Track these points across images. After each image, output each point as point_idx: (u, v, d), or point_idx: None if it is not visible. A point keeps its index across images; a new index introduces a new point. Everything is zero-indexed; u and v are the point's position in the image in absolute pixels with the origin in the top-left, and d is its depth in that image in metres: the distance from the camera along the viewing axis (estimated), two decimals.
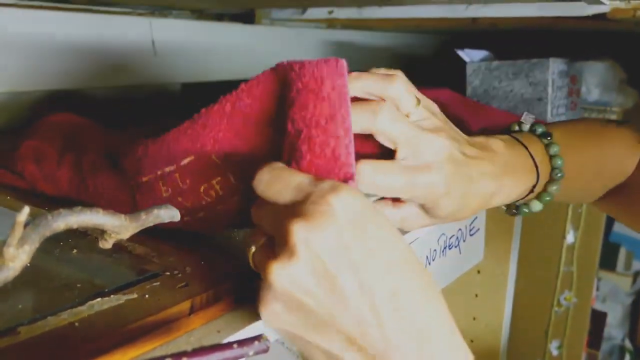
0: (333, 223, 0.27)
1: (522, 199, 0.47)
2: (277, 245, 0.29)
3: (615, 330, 1.62)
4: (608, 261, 1.62)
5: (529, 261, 1.00)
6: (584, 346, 1.14)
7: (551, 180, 0.47)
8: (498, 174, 0.41)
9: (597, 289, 1.60)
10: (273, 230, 0.30)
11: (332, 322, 0.27)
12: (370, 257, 0.28)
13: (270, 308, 0.29)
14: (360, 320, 0.27)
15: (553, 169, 0.47)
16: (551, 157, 0.47)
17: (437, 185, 0.37)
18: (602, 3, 0.74)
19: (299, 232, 0.27)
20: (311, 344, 0.28)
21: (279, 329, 0.30)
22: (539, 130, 0.48)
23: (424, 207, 0.39)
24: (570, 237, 1.03)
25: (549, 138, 0.47)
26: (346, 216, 0.28)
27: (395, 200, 0.39)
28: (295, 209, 0.28)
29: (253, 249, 0.31)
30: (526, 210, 0.49)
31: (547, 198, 0.47)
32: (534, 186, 0.46)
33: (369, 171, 0.34)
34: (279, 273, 0.28)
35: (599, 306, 1.59)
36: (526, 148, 0.45)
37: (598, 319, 1.55)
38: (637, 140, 0.54)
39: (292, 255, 0.27)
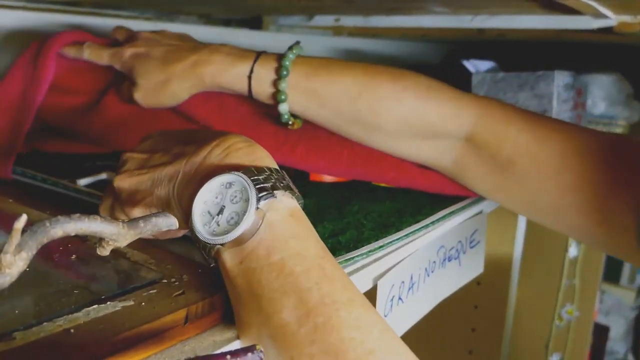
0: (144, 139, 0.41)
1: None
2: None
3: (618, 344, 1.61)
4: (612, 274, 1.61)
5: (530, 274, 1.00)
6: None
7: (278, 78, 0.53)
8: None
9: (600, 302, 1.59)
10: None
11: (157, 175, 0.37)
12: (165, 135, 0.41)
13: (131, 213, 0.38)
14: (167, 163, 0.37)
15: (280, 67, 0.53)
16: (280, 60, 0.53)
17: None
18: (607, 17, 0.74)
19: (123, 155, 0.40)
20: (161, 204, 0.37)
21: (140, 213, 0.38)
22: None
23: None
24: (572, 250, 1.02)
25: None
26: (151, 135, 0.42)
27: None
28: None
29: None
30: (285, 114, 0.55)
31: (282, 97, 0.53)
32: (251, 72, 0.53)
33: None
34: (118, 180, 0.39)
35: (601, 320, 1.58)
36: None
37: (601, 332, 1.54)
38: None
39: (122, 164, 0.40)
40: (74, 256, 0.39)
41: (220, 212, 0.33)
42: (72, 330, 0.29)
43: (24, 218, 0.26)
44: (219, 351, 0.31)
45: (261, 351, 0.28)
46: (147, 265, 0.38)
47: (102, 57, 0.59)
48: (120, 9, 0.94)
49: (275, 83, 0.53)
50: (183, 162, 0.36)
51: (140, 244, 0.40)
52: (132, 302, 0.32)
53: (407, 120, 0.52)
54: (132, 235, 0.32)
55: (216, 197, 0.33)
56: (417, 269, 0.49)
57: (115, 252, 0.39)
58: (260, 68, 0.53)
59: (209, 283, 0.36)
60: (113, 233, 0.30)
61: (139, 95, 0.57)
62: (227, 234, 0.32)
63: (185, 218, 0.35)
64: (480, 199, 0.58)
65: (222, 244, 0.32)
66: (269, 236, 0.32)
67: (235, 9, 1.02)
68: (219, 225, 0.33)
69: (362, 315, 0.31)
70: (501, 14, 0.87)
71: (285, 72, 0.52)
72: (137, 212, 0.38)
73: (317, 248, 0.33)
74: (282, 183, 0.34)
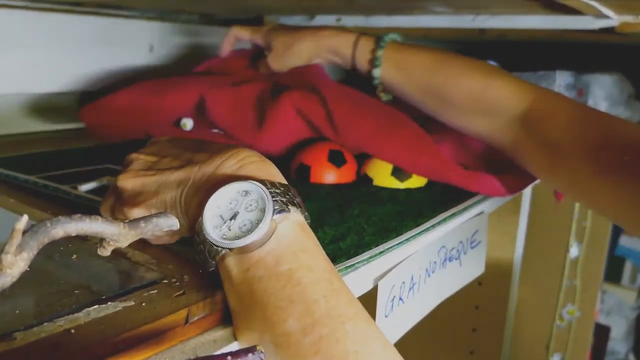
0: (151, 142, 0.43)
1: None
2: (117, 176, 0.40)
3: (619, 344, 1.60)
4: (613, 275, 1.61)
5: (531, 274, 1.00)
6: None
7: (376, 47, 0.65)
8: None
9: (602, 303, 1.59)
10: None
11: (165, 178, 0.37)
12: (175, 143, 0.41)
13: (131, 213, 0.38)
14: (178, 167, 0.37)
15: (379, 39, 0.65)
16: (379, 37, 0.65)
17: None
18: (609, 17, 0.74)
19: (129, 156, 0.41)
20: (165, 207, 0.37)
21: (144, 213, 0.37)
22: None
23: None
24: (574, 251, 1.02)
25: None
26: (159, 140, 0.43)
27: None
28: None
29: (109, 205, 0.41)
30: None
31: (377, 62, 0.65)
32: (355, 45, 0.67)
33: None
34: (123, 178, 0.39)
35: (603, 320, 1.58)
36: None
37: (602, 333, 1.54)
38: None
39: (127, 164, 0.40)
40: (74, 256, 0.39)
41: (233, 217, 0.34)
42: (72, 331, 0.29)
43: (24, 218, 0.26)
44: (219, 352, 0.31)
45: (262, 352, 0.28)
46: (147, 265, 0.38)
47: (245, 33, 0.77)
48: (122, 8, 0.94)
49: (373, 51, 0.65)
50: (195, 168, 0.36)
51: (141, 244, 0.40)
52: (132, 303, 0.32)
53: (473, 96, 0.59)
54: (133, 236, 0.32)
55: (230, 203, 0.34)
56: (418, 270, 0.49)
57: (116, 252, 0.39)
58: (364, 38, 0.67)
59: (209, 283, 0.36)
60: (114, 233, 0.30)
61: (270, 58, 0.72)
62: (238, 239, 0.32)
63: (190, 224, 0.36)
64: (480, 200, 0.58)
65: (230, 249, 0.32)
66: (278, 247, 0.33)
67: (236, 9, 1.02)
68: (230, 229, 0.33)
69: (367, 330, 0.31)
70: (502, 14, 0.87)
71: (382, 44, 0.65)
72: (137, 212, 0.37)
73: (326, 263, 0.34)
74: (295, 200, 0.35)
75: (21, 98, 0.85)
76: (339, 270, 0.39)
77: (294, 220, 0.34)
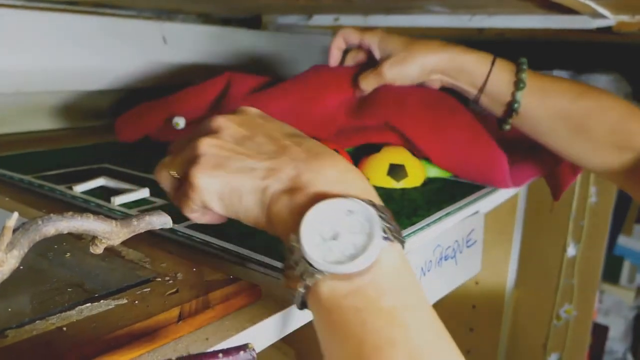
0: (241, 112, 0.39)
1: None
2: (200, 131, 0.37)
3: (617, 344, 1.60)
4: (611, 274, 1.61)
5: (528, 273, 1.00)
6: None
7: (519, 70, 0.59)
8: None
9: (600, 302, 1.59)
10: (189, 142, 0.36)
11: (254, 161, 0.34)
12: (268, 121, 0.38)
13: (203, 179, 0.34)
14: (271, 154, 0.34)
15: (519, 62, 0.59)
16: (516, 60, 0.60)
17: None
18: (606, 17, 0.74)
19: (219, 118, 0.36)
20: (241, 188, 0.34)
21: (214, 192, 0.34)
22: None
23: None
24: (571, 250, 1.02)
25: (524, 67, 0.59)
26: (248, 110, 0.39)
27: None
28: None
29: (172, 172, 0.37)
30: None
31: (522, 85, 0.58)
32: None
33: None
34: (208, 142, 0.35)
35: (601, 319, 1.58)
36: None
37: (600, 332, 1.54)
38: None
39: (215, 130, 0.36)
40: (68, 254, 0.39)
41: (334, 238, 0.30)
42: (65, 329, 0.29)
43: (15, 216, 0.26)
44: (212, 349, 0.31)
45: (253, 350, 0.28)
46: (141, 263, 0.38)
47: (355, 35, 0.67)
48: (119, 8, 0.94)
49: (516, 73, 0.59)
50: (289, 163, 0.33)
51: (136, 243, 0.40)
52: (125, 301, 0.33)
53: (614, 128, 0.57)
54: (125, 234, 0.32)
55: (331, 221, 0.31)
56: (413, 268, 0.49)
57: (110, 250, 0.39)
58: (500, 59, 0.61)
59: (202, 282, 0.36)
60: (106, 231, 0.31)
61: (388, 65, 0.63)
62: (341, 264, 0.29)
63: (268, 222, 0.33)
64: (476, 199, 0.58)
65: (332, 273, 0.29)
66: (381, 278, 0.30)
67: (234, 9, 1.02)
68: (330, 251, 0.30)
69: None
70: (500, 14, 0.87)
71: (524, 66, 0.59)
72: (205, 181, 0.34)
73: (427, 302, 0.31)
74: (399, 228, 0.32)
75: (17, 97, 0.85)
76: None
77: (398, 251, 0.31)
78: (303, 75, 0.70)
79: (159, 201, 0.51)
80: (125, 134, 0.76)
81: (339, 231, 0.30)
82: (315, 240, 0.30)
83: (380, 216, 0.30)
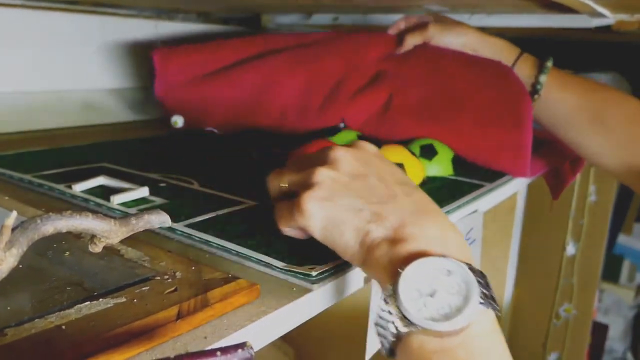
0: (360, 148, 0.41)
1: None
2: (319, 158, 0.39)
3: (616, 343, 1.61)
4: (611, 273, 1.61)
5: (527, 272, 1.00)
6: (584, 359, 1.13)
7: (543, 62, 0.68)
8: None
9: (600, 301, 1.59)
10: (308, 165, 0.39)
11: (362, 202, 0.36)
12: (383, 163, 0.40)
13: (312, 206, 0.36)
14: (380, 199, 0.36)
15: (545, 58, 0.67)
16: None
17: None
18: (605, 16, 0.74)
19: (339, 150, 0.39)
20: (345, 225, 0.35)
21: (319, 220, 0.36)
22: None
23: None
24: (570, 249, 1.02)
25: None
26: (366, 148, 0.41)
27: None
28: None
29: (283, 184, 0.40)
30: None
31: (545, 70, 0.66)
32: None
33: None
34: (325, 173, 0.37)
35: (600, 318, 1.58)
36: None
37: (599, 331, 1.54)
38: None
39: (333, 162, 0.38)
40: (67, 253, 0.39)
41: (431, 295, 0.31)
42: (64, 327, 0.29)
43: (13, 214, 0.26)
44: (210, 347, 0.31)
45: (251, 348, 0.28)
46: (140, 262, 0.38)
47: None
48: (119, 7, 0.94)
49: (540, 61, 0.68)
50: (397, 214, 0.35)
51: (135, 241, 0.40)
52: (124, 299, 0.33)
53: (630, 118, 0.61)
54: (124, 232, 0.32)
55: (430, 278, 0.31)
56: None
57: (110, 249, 0.39)
58: (528, 54, 0.70)
59: (201, 280, 0.36)
60: (105, 230, 0.31)
61: (434, 25, 0.72)
62: (435, 321, 0.30)
63: (363, 261, 0.35)
64: (474, 198, 0.58)
65: (425, 328, 0.30)
66: (473, 341, 0.30)
67: (233, 8, 1.02)
68: (425, 307, 0.30)
69: None
70: (499, 13, 0.87)
71: (549, 60, 0.68)
72: (312, 206, 0.36)
73: None
74: (494, 295, 0.33)
75: (16, 97, 0.85)
76: (332, 268, 0.39)
77: (491, 317, 0.31)
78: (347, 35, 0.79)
79: (158, 200, 0.51)
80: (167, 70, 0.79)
81: (436, 289, 0.31)
82: (412, 294, 0.31)
83: (478, 281, 0.31)
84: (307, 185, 0.37)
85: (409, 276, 0.31)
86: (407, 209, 0.35)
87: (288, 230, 0.39)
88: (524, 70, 0.68)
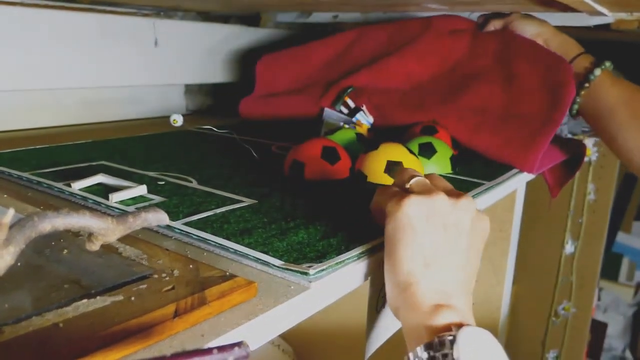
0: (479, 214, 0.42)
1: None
2: (447, 192, 0.41)
3: (615, 341, 1.61)
4: (610, 271, 1.61)
5: (526, 270, 1.00)
6: (583, 357, 1.13)
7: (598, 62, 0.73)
8: None
9: (599, 299, 1.59)
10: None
11: (434, 250, 0.38)
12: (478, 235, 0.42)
13: (414, 207, 0.39)
14: (447, 260, 0.38)
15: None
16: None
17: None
18: (604, 15, 0.74)
19: (470, 203, 0.41)
20: (411, 247, 0.38)
21: (403, 219, 0.39)
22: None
23: None
24: (569, 247, 1.03)
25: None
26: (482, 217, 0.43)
27: None
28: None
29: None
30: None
31: (602, 67, 0.73)
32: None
33: None
34: (444, 201, 0.39)
35: (599, 316, 1.59)
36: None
37: (598, 329, 1.54)
38: None
39: (457, 204, 0.40)
40: (65, 251, 0.39)
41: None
42: (61, 325, 0.29)
43: (11, 212, 0.26)
44: (207, 346, 0.31)
45: (248, 346, 0.28)
46: (138, 260, 0.38)
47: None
48: (118, 5, 0.94)
49: (595, 60, 0.74)
50: (445, 285, 0.38)
51: (132, 239, 0.40)
52: (121, 297, 0.33)
53: None
54: (121, 231, 0.32)
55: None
56: None
57: (108, 247, 0.39)
58: (586, 54, 0.76)
59: (199, 278, 0.36)
60: (102, 228, 0.31)
61: (515, 14, 0.80)
62: None
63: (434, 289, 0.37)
64: (473, 196, 0.58)
65: None
66: None
67: (233, 6, 1.02)
68: None
69: None
70: (497, 11, 0.87)
71: (608, 63, 0.74)
72: (410, 206, 0.38)
73: None
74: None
75: (15, 94, 0.85)
76: (330, 266, 0.39)
77: None
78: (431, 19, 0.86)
79: (156, 198, 0.51)
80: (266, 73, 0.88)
81: None
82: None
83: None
84: (422, 193, 0.40)
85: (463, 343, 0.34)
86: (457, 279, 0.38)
87: (376, 207, 0.44)
88: (582, 63, 0.74)
